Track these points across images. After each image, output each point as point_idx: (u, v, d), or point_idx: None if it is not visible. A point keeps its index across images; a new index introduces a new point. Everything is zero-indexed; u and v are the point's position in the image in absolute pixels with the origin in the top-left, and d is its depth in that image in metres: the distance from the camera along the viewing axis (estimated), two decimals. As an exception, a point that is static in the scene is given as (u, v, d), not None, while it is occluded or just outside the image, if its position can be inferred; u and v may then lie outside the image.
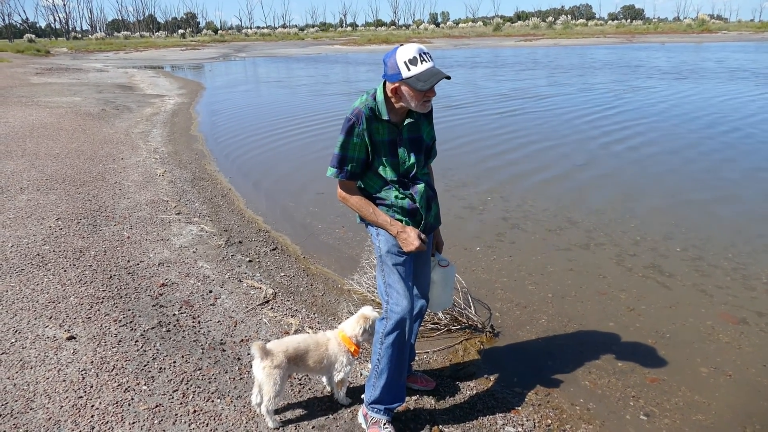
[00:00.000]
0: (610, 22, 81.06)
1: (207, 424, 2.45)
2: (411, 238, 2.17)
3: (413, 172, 2.23)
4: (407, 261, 2.27)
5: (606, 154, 7.60)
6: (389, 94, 2.14)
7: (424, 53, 2.04)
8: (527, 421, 2.54)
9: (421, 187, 2.24)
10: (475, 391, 2.75)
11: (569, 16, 79.81)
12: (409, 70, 2.03)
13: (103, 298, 3.59)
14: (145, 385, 2.71)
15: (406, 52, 2.05)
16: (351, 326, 2.46)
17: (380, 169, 2.21)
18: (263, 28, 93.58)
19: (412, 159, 2.22)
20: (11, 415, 2.48)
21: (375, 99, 2.17)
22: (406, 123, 2.19)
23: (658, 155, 7.44)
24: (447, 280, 2.49)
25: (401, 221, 2.24)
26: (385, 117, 2.15)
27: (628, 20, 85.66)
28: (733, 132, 8.81)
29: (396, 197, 2.23)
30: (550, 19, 71.84)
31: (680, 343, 3.16)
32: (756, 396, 2.73)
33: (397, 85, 2.09)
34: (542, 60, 27.70)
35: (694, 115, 10.55)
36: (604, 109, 11.38)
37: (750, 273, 3.99)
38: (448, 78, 2.08)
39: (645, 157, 7.37)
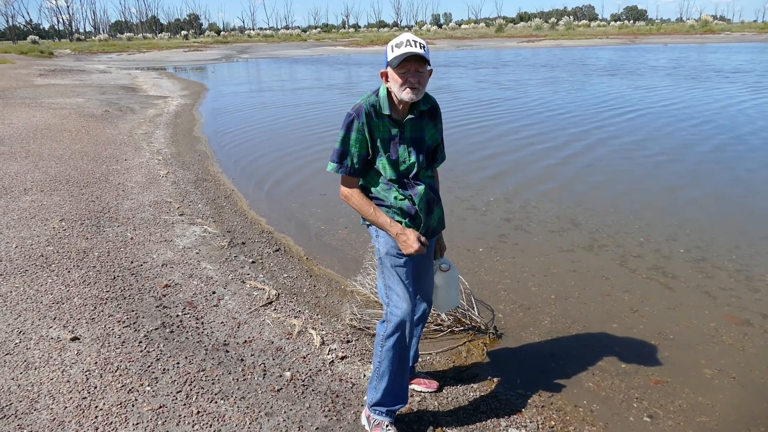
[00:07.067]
0: (612, 23, 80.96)
1: (210, 425, 2.45)
2: (410, 240, 2.15)
3: (414, 172, 2.21)
4: (407, 263, 2.25)
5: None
6: (388, 88, 2.15)
7: (414, 40, 2.04)
8: (531, 422, 2.53)
9: (421, 189, 2.21)
10: (478, 393, 2.74)
11: (572, 17, 79.74)
12: (392, 51, 2.05)
13: (106, 299, 3.60)
14: (148, 386, 2.71)
15: (397, 38, 2.09)
16: None
17: (380, 167, 2.20)
18: (266, 29, 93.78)
19: (413, 158, 2.20)
20: (15, 416, 2.48)
21: (377, 95, 2.17)
22: (407, 119, 2.17)
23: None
24: (450, 283, 2.48)
25: (401, 223, 2.23)
26: (386, 112, 2.14)
27: (631, 21, 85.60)
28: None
29: (395, 198, 2.21)
30: (553, 20, 71.72)
31: (684, 345, 3.16)
32: (760, 398, 2.72)
33: (386, 71, 2.11)
34: (516, 60, 28.11)
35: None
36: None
37: (754, 274, 3.98)
38: (420, 57, 2.02)
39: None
